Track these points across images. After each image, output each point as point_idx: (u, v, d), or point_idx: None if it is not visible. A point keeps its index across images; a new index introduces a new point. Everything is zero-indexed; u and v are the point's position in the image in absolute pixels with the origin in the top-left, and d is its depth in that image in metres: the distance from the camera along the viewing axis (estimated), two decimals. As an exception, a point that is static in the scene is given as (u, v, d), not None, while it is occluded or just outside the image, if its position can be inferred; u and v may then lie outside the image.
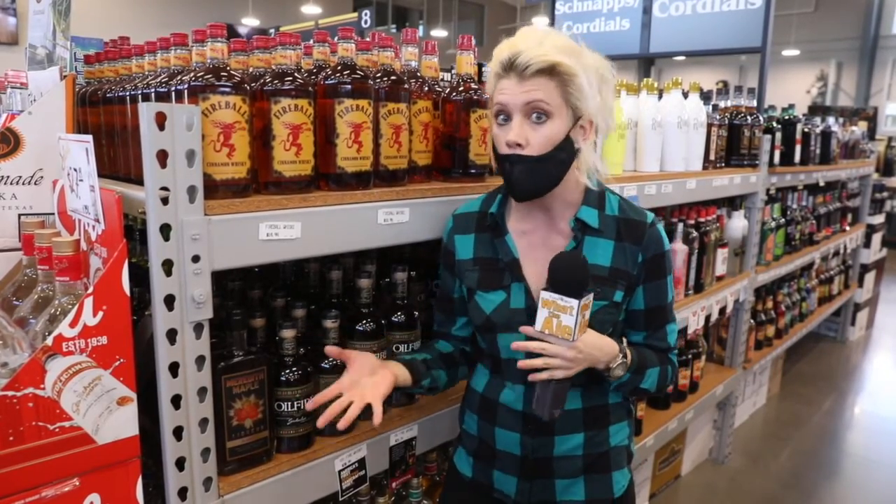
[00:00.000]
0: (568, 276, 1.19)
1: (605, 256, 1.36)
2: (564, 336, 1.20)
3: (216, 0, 12.17)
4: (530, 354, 1.24)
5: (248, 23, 12.32)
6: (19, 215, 1.41)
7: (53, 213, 1.43)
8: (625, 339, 1.40)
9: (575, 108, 1.28)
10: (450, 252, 1.48)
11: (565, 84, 1.25)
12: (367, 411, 1.59)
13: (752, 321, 3.54)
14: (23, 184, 1.41)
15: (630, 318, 1.43)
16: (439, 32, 13.67)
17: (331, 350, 1.36)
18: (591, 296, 1.21)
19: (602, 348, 1.28)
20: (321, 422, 1.24)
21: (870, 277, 5.69)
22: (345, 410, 1.23)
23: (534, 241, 1.40)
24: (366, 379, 1.32)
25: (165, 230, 1.12)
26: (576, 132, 1.31)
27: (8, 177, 1.39)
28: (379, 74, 1.45)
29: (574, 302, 1.17)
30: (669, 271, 1.42)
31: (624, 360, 1.31)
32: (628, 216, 1.38)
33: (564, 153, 1.30)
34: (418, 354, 1.50)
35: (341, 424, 1.23)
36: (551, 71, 1.24)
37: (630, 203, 1.42)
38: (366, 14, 9.09)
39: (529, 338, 1.25)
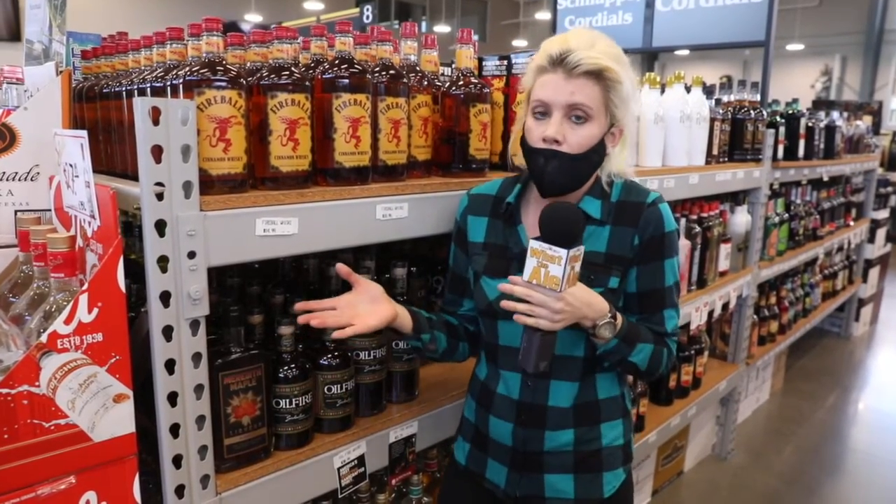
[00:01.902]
0: (558, 226, 1.17)
1: (601, 243, 1.35)
2: (552, 286, 1.18)
3: (218, -4, 12.14)
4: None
5: (251, 19, 12.30)
6: (16, 211, 1.40)
7: (50, 210, 1.43)
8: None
9: (612, 114, 1.30)
10: (462, 231, 1.48)
11: (608, 90, 1.27)
12: (369, 406, 1.58)
13: (755, 317, 3.53)
14: (19, 180, 1.40)
15: (625, 301, 1.40)
16: (442, 28, 13.62)
17: (341, 268, 1.36)
18: (581, 248, 1.19)
19: (592, 304, 1.24)
20: (302, 319, 1.28)
21: (874, 273, 5.65)
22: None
23: None
24: (364, 305, 1.33)
25: (161, 226, 1.11)
26: (608, 137, 1.33)
27: (4, 173, 1.38)
28: (377, 69, 1.44)
29: (563, 251, 1.15)
30: (670, 254, 1.37)
31: (612, 321, 1.27)
32: (627, 199, 1.37)
33: (597, 156, 1.32)
34: (424, 312, 1.48)
35: (314, 322, 1.26)
36: (599, 75, 1.26)
37: (634, 184, 1.40)
38: (367, 10, 9.06)
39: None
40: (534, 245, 1.18)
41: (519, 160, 1.43)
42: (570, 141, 1.27)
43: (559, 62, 1.26)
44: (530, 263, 1.19)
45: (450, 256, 1.54)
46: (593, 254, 1.34)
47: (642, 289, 1.38)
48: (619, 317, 1.30)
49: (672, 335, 1.42)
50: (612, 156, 1.37)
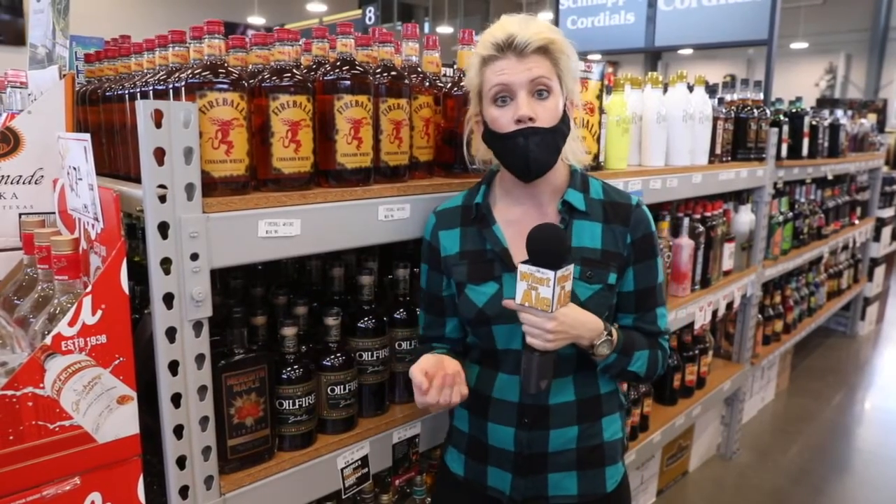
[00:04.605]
0: (544, 247, 1.18)
1: (595, 239, 1.36)
2: (543, 308, 1.19)
3: (222, -1, 12.19)
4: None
5: (254, 21, 12.34)
6: (20, 214, 1.41)
7: (54, 213, 1.43)
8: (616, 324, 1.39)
9: (565, 86, 1.34)
10: (434, 249, 1.45)
11: (557, 62, 1.31)
12: (373, 407, 1.59)
13: (759, 316, 3.52)
14: (23, 183, 1.41)
15: (619, 301, 1.42)
16: (445, 29, 13.62)
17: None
18: (570, 268, 1.20)
19: (585, 324, 1.26)
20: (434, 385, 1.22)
21: (879, 271, 5.63)
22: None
23: (522, 230, 1.33)
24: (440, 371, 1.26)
25: (163, 228, 1.12)
26: (567, 109, 1.35)
27: (8, 176, 1.39)
28: (379, 70, 1.44)
29: (550, 273, 1.16)
30: (658, 253, 1.42)
31: (609, 338, 1.29)
32: (613, 199, 1.41)
33: (566, 127, 1.34)
34: (439, 350, 1.41)
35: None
36: (546, 49, 1.29)
37: (612, 186, 1.45)
38: (370, 11, 9.07)
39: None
40: (522, 269, 1.19)
41: (483, 155, 1.43)
42: (542, 116, 1.29)
43: (507, 46, 1.27)
44: (521, 287, 1.20)
45: (422, 279, 1.50)
46: (590, 251, 1.35)
47: (639, 287, 1.40)
48: (616, 332, 1.32)
49: (664, 333, 1.45)
50: (570, 136, 1.38)
